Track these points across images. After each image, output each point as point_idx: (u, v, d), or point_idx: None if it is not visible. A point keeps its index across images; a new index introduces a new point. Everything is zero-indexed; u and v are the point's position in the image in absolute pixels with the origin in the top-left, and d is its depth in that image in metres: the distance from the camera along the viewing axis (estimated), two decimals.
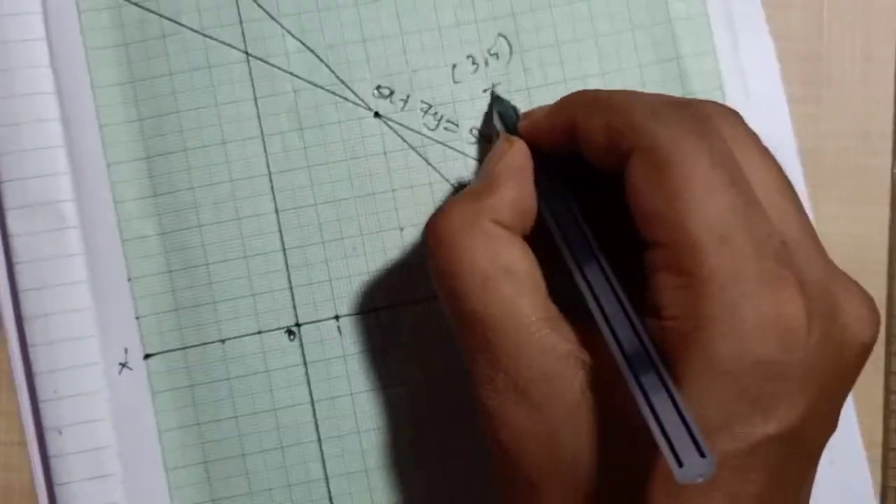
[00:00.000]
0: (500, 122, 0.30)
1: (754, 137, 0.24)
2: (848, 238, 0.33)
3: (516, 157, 0.26)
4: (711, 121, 0.23)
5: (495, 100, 0.32)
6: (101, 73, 0.31)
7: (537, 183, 0.26)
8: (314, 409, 0.31)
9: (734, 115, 0.25)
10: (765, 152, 0.24)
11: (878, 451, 0.32)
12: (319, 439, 0.31)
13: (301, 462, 0.31)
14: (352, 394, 0.31)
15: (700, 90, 0.32)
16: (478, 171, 0.28)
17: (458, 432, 0.31)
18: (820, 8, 0.33)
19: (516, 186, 0.25)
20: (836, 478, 0.31)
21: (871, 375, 0.32)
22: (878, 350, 0.32)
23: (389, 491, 0.31)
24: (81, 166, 0.31)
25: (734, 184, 0.22)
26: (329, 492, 0.31)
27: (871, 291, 0.32)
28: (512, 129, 0.29)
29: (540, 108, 0.28)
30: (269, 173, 0.31)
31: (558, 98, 0.27)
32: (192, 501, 0.31)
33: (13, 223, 0.31)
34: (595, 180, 0.26)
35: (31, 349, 0.30)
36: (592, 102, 0.25)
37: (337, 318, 0.31)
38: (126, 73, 0.31)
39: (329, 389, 0.31)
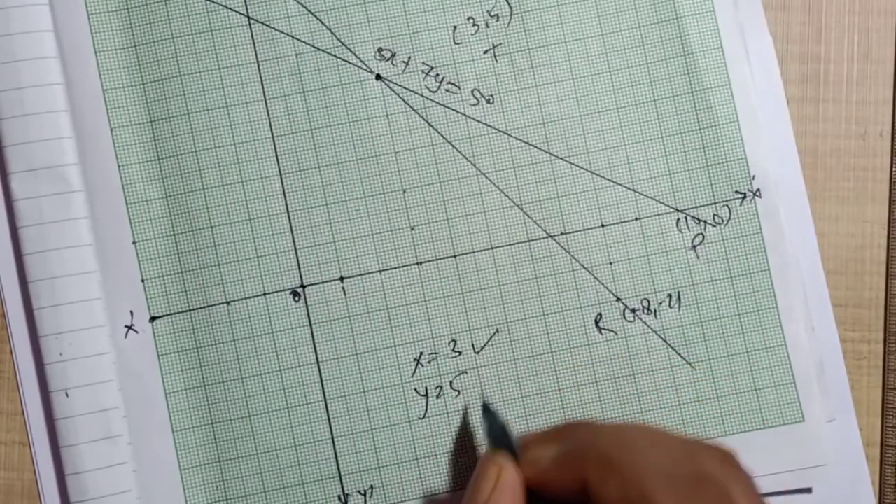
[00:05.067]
0: (488, 437, 0.28)
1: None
2: (847, 238, 0.33)
3: (503, 497, 0.25)
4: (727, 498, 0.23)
5: (485, 412, 0.29)
6: (104, 37, 0.31)
7: None
8: (319, 370, 0.31)
9: (746, 481, 0.24)
10: None
11: (877, 449, 0.32)
12: (325, 399, 0.31)
13: (307, 422, 0.31)
14: (357, 354, 0.31)
15: (699, 49, 0.32)
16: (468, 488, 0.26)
17: (463, 389, 0.31)
18: (819, 9, 0.33)
19: None
20: (835, 475, 0.32)
21: (870, 374, 0.33)
22: (877, 349, 0.33)
23: (394, 450, 0.31)
24: (85, 130, 0.31)
25: None
26: (335, 451, 0.31)
27: (870, 291, 0.33)
28: (501, 445, 0.27)
29: (541, 445, 0.26)
30: (273, 136, 0.32)
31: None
32: (199, 462, 0.31)
33: (17, 187, 0.31)
34: None
35: (36, 312, 0.30)
36: (605, 464, 0.24)
37: (341, 279, 0.32)
38: (128, 36, 0.31)
39: (334, 350, 0.31)
